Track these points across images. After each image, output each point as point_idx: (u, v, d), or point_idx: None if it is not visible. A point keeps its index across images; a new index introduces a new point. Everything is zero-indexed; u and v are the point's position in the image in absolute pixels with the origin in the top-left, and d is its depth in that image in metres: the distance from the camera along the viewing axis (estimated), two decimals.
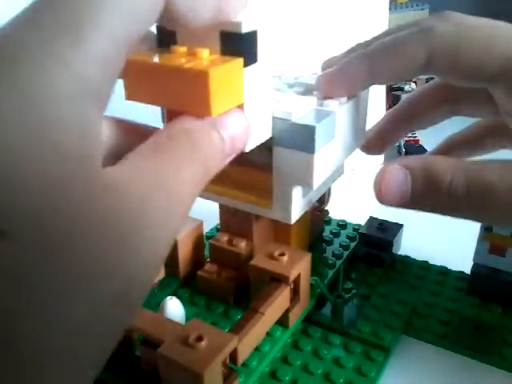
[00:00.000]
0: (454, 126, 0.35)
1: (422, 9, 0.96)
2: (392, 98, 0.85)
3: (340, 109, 0.26)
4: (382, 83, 0.27)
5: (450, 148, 0.34)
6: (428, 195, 0.22)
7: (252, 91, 0.21)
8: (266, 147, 0.25)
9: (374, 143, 0.33)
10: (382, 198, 0.23)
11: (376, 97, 0.34)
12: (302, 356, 0.28)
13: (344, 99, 0.27)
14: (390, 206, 0.23)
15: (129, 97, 0.19)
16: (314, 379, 0.27)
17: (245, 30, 0.20)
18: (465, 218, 0.23)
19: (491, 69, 0.23)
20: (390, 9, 0.53)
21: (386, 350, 0.29)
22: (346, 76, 0.26)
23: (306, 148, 0.25)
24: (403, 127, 0.32)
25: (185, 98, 0.18)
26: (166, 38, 0.20)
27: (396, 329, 0.30)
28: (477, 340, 0.30)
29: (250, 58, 0.20)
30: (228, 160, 0.20)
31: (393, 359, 0.29)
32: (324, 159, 0.26)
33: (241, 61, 0.19)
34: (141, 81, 0.19)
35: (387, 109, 0.78)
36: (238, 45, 0.20)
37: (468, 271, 0.34)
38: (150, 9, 0.15)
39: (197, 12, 0.17)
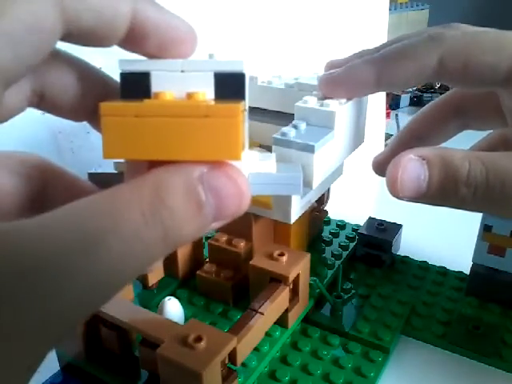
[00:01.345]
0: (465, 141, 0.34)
1: (422, 9, 0.96)
2: (392, 97, 0.85)
3: (340, 109, 0.26)
4: (388, 90, 0.27)
5: None
6: (447, 185, 0.21)
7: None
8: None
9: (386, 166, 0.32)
10: (397, 191, 0.22)
11: (376, 97, 0.34)
12: (302, 356, 0.28)
13: (344, 100, 0.27)
14: (406, 199, 0.22)
15: (108, 155, 0.15)
16: (313, 380, 0.27)
17: (245, 69, 0.17)
18: (480, 210, 0.22)
19: (502, 70, 0.23)
20: (389, 9, 0.53)
21: (385, 350, 0.29)
22: (351, 79, 0.26)
23: (306, 148, 0.25)
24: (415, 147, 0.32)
25: (203, 146, 0.15)
26: (134, 87, 0.17)
27: (395, 329, 0.30)
28: (476, 340, 0.30)
29: (243, 97, 0.18)
30: (208, 229, 0.16)
31: (392, 359, 0.29)
32: (324, 159, 0.26)
33: (244, 103, 0.17)
34: (132, 135, 0.15)
35: (387, 108, 0.78)
36: (237, 85, 0.17)
37: (467, 271, 0.34)
38: None
39: None
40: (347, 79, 0.26)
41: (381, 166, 0.31)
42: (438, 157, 0.21)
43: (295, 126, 0.26)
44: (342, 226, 0.39)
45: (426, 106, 0.32)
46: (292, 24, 0.48)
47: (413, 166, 0.21)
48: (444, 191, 0.21)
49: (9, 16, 0.14)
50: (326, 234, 0.38)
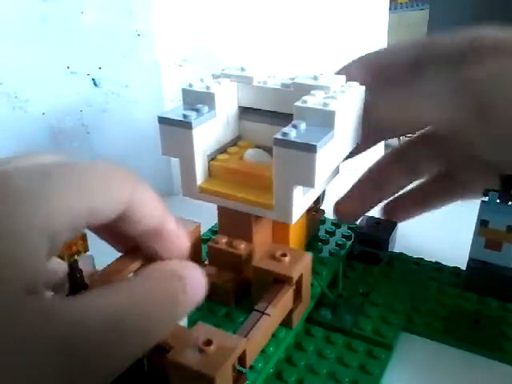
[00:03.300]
0: None
1: (422, 9, 0.97)
2: None
3: (340, 108, 0.26)
4: None
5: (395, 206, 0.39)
6: None
7: None
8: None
9: (348, 211, 0.37)
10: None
11: None
12: (306, 356, 0.28)
13: (343, 98, 0.27)
14: None
15: None
16: (319, 379, 0.27)
17: None
18: None
19: None
20: (389, 9, 0.54)
21: (388, 347, 0.29)
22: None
23: (307, 148, 0.25)
24: (376, 195, 0.37)
25: None
26: None
27: (397, 326, 0.30)
28: (477, 334, 0.30)
29: None
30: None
31: (395, 356, 0.29)
32: (325, 158, 0.26)
33: None
34: None
35: None
36: None
37: (462, 266, 0.34)
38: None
39: None
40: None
41: (341, 209, 0.37)
42: None
43: (295, 126, 0.26)
44: (337, 224, 0.39)
45: (378, 158, 0.37)
46: (291, 23, 0.48)
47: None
48: None
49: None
50: (322, 233, 0.38)
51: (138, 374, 0.24)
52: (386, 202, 0.39)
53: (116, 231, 0.22)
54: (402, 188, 0.38)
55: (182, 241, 0.24)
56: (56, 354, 0.15)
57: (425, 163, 0.37)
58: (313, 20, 0.49)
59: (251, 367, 0.25)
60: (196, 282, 0.21)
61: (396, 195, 0.38)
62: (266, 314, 0.25)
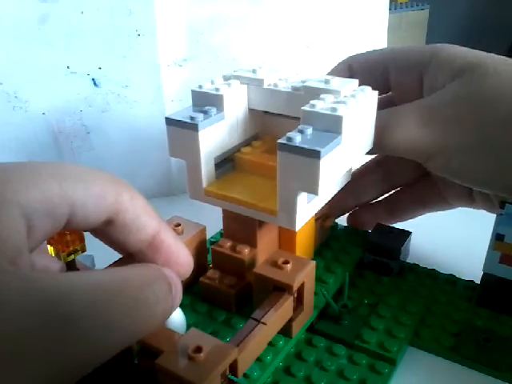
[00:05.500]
0: None
1: (422, 9, 0.96)
2: None
3: (348, 113, 0.26)
4: None
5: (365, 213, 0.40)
6: None
7: None
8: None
9: (324, 213, 0.36)
10: None
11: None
12: (306, 367, 0.27)
13: (353, 103, 0.26)
14: None
15: None
16: None
17: None
18: None
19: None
20: (389, 9, 0.53)
21: (392, 361, 0.28)
22: None
23: (311, 154, 0.24)
24: (351, 200, 0.39)
25: None
26: None
27: (403, 340, 0.29)
28: (486, 353, 0.29)
29: None
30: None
31: (399, 372, 0.28)
32: (330, 165, 0.25)
33: None
34: None
35: None
36: None
37: (477, 280, 0.33)
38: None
39: None
40: None
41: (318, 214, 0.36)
42: None
43: (301, 131, 0.25)
44: (349, 232, 0.38)
45: (358, 167, 0.39)
46: (290, 23, 0.48)
47: None
48: None
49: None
50: (332, 240, 0.37)
51: (128, 367, 0.24)
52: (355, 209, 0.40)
53: (116, 241, 0.22)
54: (378, 195, 0.40)
55: (182, 254, 0.24)
56: (39, 328, 0.15)
57: (402, 172, 0.38)
58: (312, 20, 0.48)
59: (246, 376, 0.25)
60: (178, 286, 0.21)
61: (371, 202, 0.40)
62: (262, 323, 0.24)
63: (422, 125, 0.30)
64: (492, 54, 0.31)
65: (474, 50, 0.32)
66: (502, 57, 0.31)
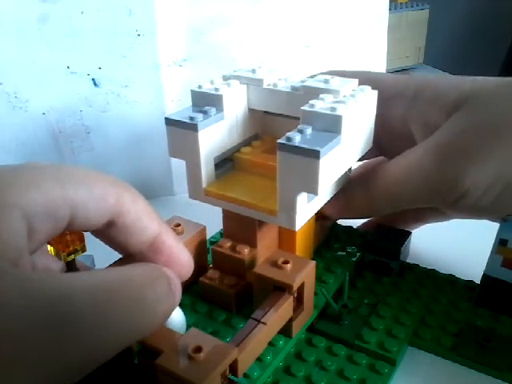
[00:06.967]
0: None
1: (422, 9, 0.96)
2: None
3: (347, 113, 0.26)
4: None
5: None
6: None
7: None
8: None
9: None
10: None
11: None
12: (306, 367, 0.27)
13: (353, 103, 0.27)
14: None
15: None
16: None
17: None
18: None
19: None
20: (389, 9, 0.53)
21: (391, 362, 0.28)
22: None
23: (311, 153, 0.24)
24: None
25: None
26: None
27: (403, 340, 0.29)
28: (487, 353, 0.29)
29: None
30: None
31: (399, 372, 0.28)
32: (330, 165, 0.25)
33: None
34: None
35: None
36: None
37: (477, 279, 0.33)
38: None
39: None
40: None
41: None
42: None
43: (301, 131, 0.25)
44: (349, 232, 0.38)
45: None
46: (290, 24, 0.48)
47: None
48: None
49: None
50: (332, 240, 0.37)
51: (128, 367, 0.24)
52: None
53: (117, 242, 0.22)
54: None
55: (183, 255, 0.24)
56: (40, 328, 0.15)
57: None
58: (312, 20, 0.48)
59: (246, 375, 0.25)
60: (177, 285, 0.21)
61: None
62: (262, 323, 0.24)
63: (440, 162, 0.28)
64: (479, 77, 0.30)
65: (460, 77, 0.31)
66: (490, 78, 0.30)
